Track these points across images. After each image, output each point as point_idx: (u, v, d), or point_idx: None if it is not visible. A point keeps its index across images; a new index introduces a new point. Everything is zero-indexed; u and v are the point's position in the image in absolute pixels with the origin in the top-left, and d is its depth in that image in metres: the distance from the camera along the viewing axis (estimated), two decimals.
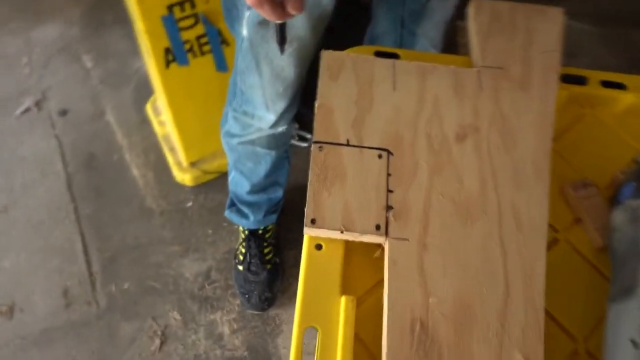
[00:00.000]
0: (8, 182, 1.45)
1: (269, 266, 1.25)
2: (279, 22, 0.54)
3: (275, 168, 1.07)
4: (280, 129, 0.92)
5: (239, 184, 1.11)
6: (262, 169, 1.04)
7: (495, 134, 0.62)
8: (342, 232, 0.53)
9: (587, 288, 0.58)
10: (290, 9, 0.49)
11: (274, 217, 1.23)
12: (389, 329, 0.48)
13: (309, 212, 0.53)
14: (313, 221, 0.53)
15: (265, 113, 0.88)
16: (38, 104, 1.60)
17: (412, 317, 0.49)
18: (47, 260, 1.30)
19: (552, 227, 0.62)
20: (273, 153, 1.01)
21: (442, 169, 0.58)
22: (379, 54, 0.72)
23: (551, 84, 0.69)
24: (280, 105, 0.86)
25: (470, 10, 0.72)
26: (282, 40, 0.57)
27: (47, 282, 1.27)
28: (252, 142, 0.97)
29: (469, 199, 0.56)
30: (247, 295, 1.23)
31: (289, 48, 0.75)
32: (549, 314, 0.56)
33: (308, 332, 0.51)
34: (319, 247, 0.55)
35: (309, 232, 0.54)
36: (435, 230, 0.54)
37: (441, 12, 0.87)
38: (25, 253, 1.32)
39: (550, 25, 0.74)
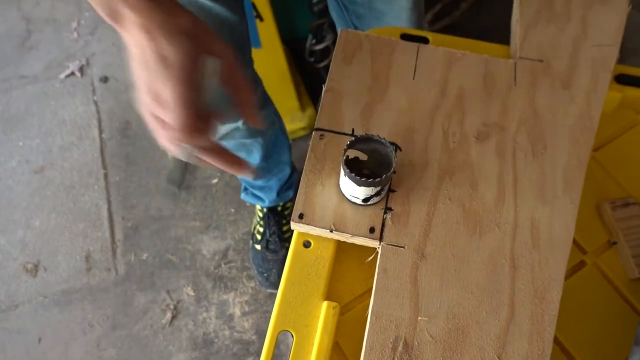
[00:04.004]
0: (47, 143, 1.48)
1: (287, 244, 1.22)
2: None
3: (271, 152, 0.98)
4: None
5: None
6: (256, 156, 0.94)
7: (523, 136, 0.55)
8: (331, 231, 0.48)
9: (612, 322, 0.50)
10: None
11: (290, 193, 1.18)
12: (368, 343, 0.43)
13: (297, 205, 0.49)
14: (301, 216, 0.48)
15: None
16: (82, 69, 1.62)
17: (396, 335, 0.43)
18: (74, 224, 1.33)
19: (579, 247, 0.54)
20: (259, 140, 0.90)
21: (455, 171, 0.51)
22: (405, 37, 0.66)
23: (600, 84, 0.60)
24: None
25: None
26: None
27: (71, 244, 1.30)
28: (228, 136, 0.87)
29: (481, 207, 0.50)
30: (265, 274, 1.20)
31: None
32: (560, 345, 0.49)
33: (285, 336, 0.47)
34: (307, 244, 0.50)
35: (296, 227, 0.49)
36: (436, 238, 0.48)
37: (391, 14, 0.79)
38: (55, 214, 1.35)
39: (611, 16, 0.65)
